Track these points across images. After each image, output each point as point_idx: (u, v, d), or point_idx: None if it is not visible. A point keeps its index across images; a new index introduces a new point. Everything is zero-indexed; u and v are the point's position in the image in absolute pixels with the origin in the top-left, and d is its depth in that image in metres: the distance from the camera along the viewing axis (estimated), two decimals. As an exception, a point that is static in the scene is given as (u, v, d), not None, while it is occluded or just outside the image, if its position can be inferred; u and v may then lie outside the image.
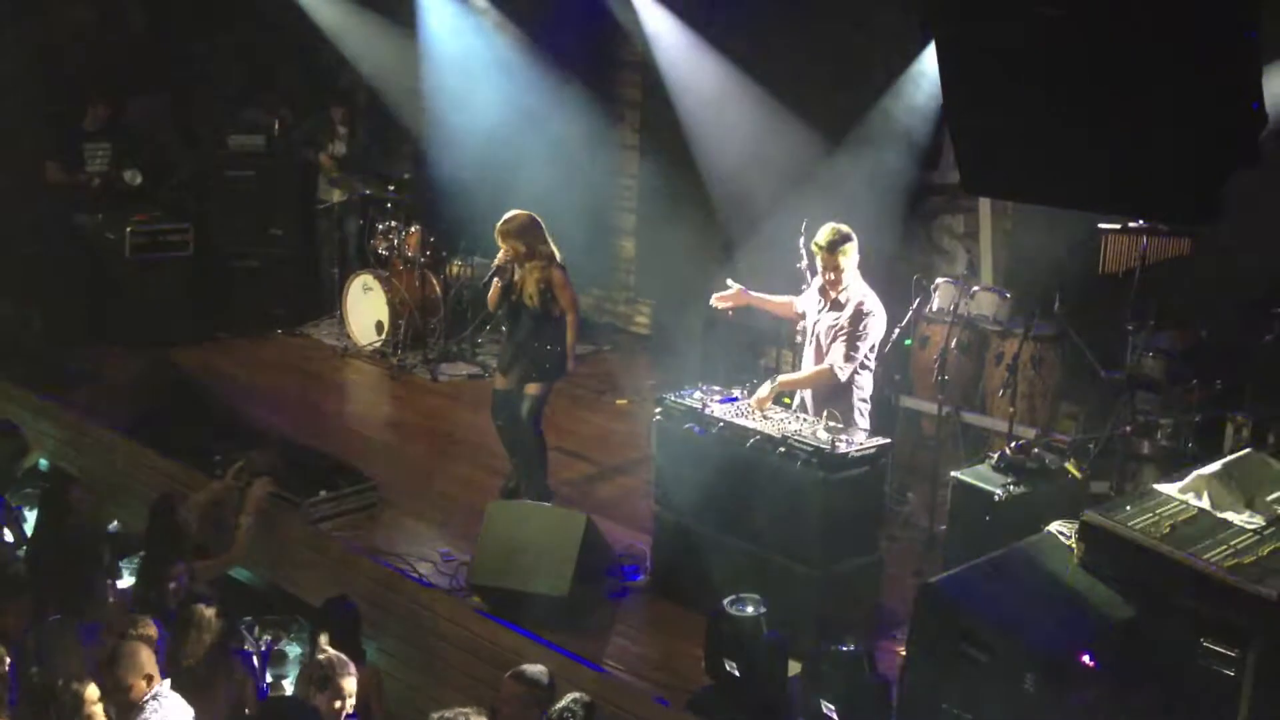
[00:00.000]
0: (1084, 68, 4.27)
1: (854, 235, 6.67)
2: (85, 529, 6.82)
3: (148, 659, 5.06)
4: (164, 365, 8.96)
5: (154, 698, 4.97)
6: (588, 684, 5.79)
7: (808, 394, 6.89)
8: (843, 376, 6.64)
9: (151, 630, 5.42)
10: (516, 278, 7.65)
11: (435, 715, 4.86)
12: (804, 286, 8.34)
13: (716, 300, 7.17)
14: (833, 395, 6.72)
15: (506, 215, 7.66)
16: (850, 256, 6.66)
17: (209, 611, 5.58)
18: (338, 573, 7.14)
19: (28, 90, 10.90)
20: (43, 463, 8.49)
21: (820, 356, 6.77)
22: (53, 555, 6.46)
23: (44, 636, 5.75)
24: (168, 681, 5.11)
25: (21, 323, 10.12)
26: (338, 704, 5.18)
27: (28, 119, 10.85)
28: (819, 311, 6.84)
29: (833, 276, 6.69)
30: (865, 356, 6.70)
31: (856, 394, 6.74)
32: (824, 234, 6.69)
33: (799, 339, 7.24)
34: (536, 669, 5.46)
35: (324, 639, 5.62)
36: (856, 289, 6.72)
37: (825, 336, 6.76)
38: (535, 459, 7.81)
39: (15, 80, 10.81)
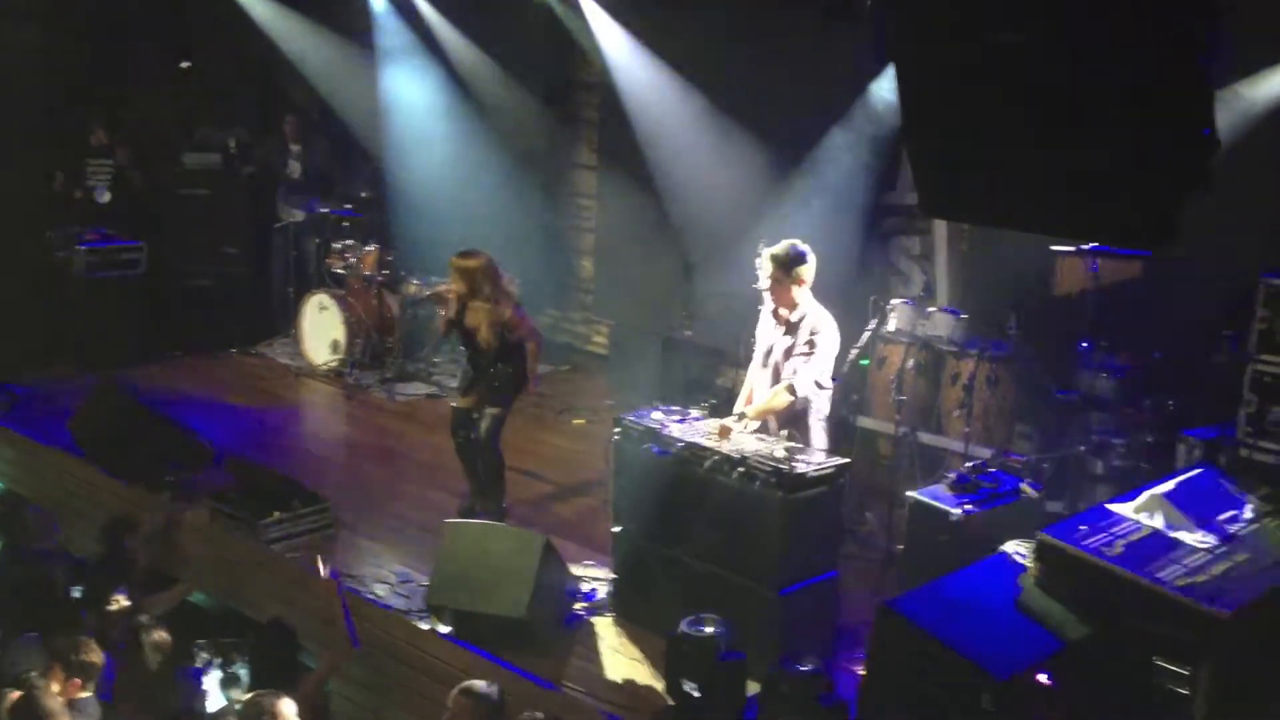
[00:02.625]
0: (1040, 93, 4.33)
1: (809, 255, 6.68)
2: (49, 552, 6.73)
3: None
4: (116, 385, 8.84)
5: None
6: (546, 705, 5.75)
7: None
8: (800, 392, 6.64)
9: (96, 656, 5.34)
10: (466, 315, 7.66)
11: None
12: (759, 307, 8.39)
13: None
14: (791, 416, 6.74)
15: (462, 252, 7.70)
16: (805, 276, 6.67)
17: (158, 634, 5.51)
18: (292, 594, 7.06)
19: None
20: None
21: (776, 379, 6.78)
22: (15, 577, 6.36)
23: (15, 654, 5.65)
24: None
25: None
26: None
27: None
28: (774, 334, 6.85)
29: (786, 296, 6.69)
30: (820, 375, 6.71)
31: (814, 414, 6.75)
32: (780, 249, 6.68)
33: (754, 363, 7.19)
34: (485, 684, 5.45)
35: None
36: (810, 309, 6.73)
37: (781, 359, 6.78)
38: (492, 478, 7.80)
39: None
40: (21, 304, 10.60)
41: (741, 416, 6.72)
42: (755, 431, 6.69)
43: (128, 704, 5.39)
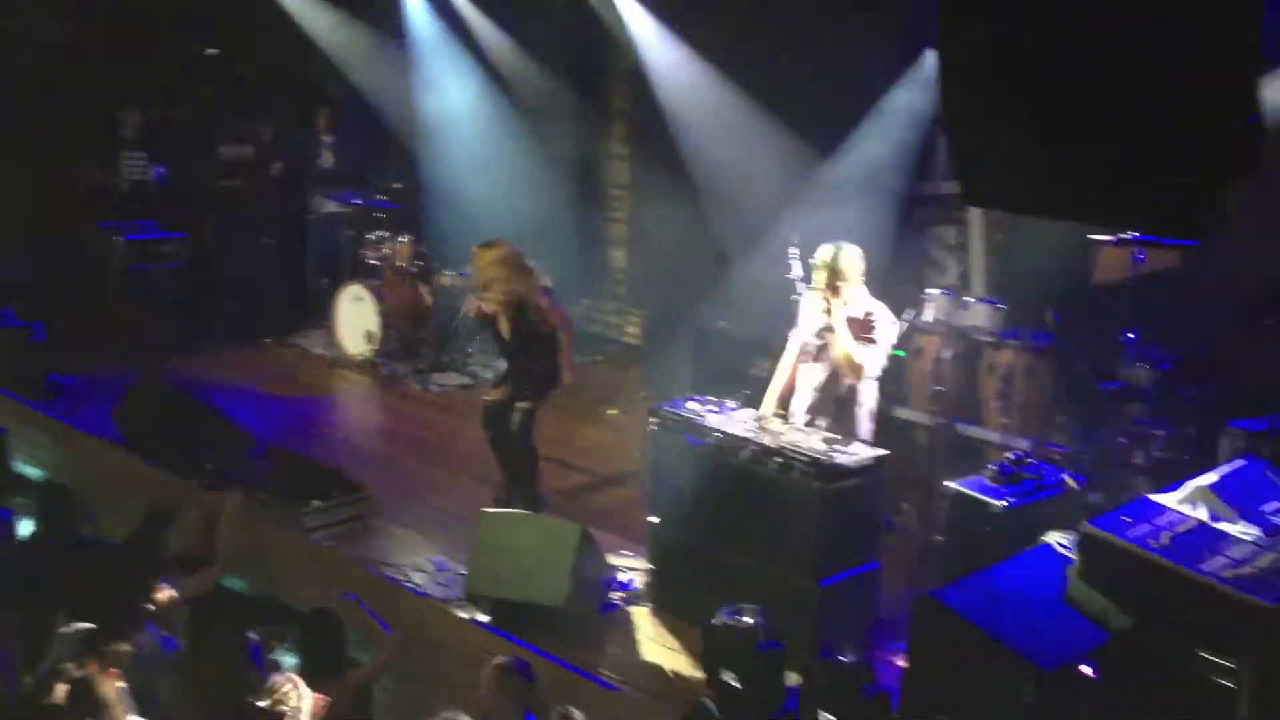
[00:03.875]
0: (1084, 78, 4.28)
1: (854, 250, 6.70)
2: (90, 540, 6.79)
3: (113, 692, 4.99)
4: (159, 375, 8.91)
5: None
6: (583, 694, 5.77)
7: (806, 407, 6.88)
8: (868, 373, 6.66)
9: (125, 645, 5.37)
10: (489, 309, 7.67)
11: None
12: (793, 296, 8.35)
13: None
14: (839, 407, 6.74)
15: (482, 242, 7.68)
16: (852, 275, 6.69)
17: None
18: (331, 582, 7.11)
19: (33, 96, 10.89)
20: (34, 473, 8.43)
21: (832, 376, 6.77)
22: (66, 567, 6.41)
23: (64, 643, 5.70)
24: None
25: (16, 333, 10.06)
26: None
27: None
28: (824, 328, 6.83)
29: (840, 294, 6.70)
30: (879, 364, 6.73)
31: (862, 405, 6.75)
32: (825, 254, 6.71)
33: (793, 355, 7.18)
34: (518, 660, 5.48)
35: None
36: (866, 302, 6.75)
37: (835, 347, 6.76)
38: (526, 471, 7.81)
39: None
40: (65, 296, 10.70)
41: (782, 417, 6.75)
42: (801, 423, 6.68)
43: (190, 690, 5.44)
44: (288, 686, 5.20)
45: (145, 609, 6.01)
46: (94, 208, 11.23)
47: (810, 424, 6.78)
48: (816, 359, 6.89)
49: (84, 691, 4.84)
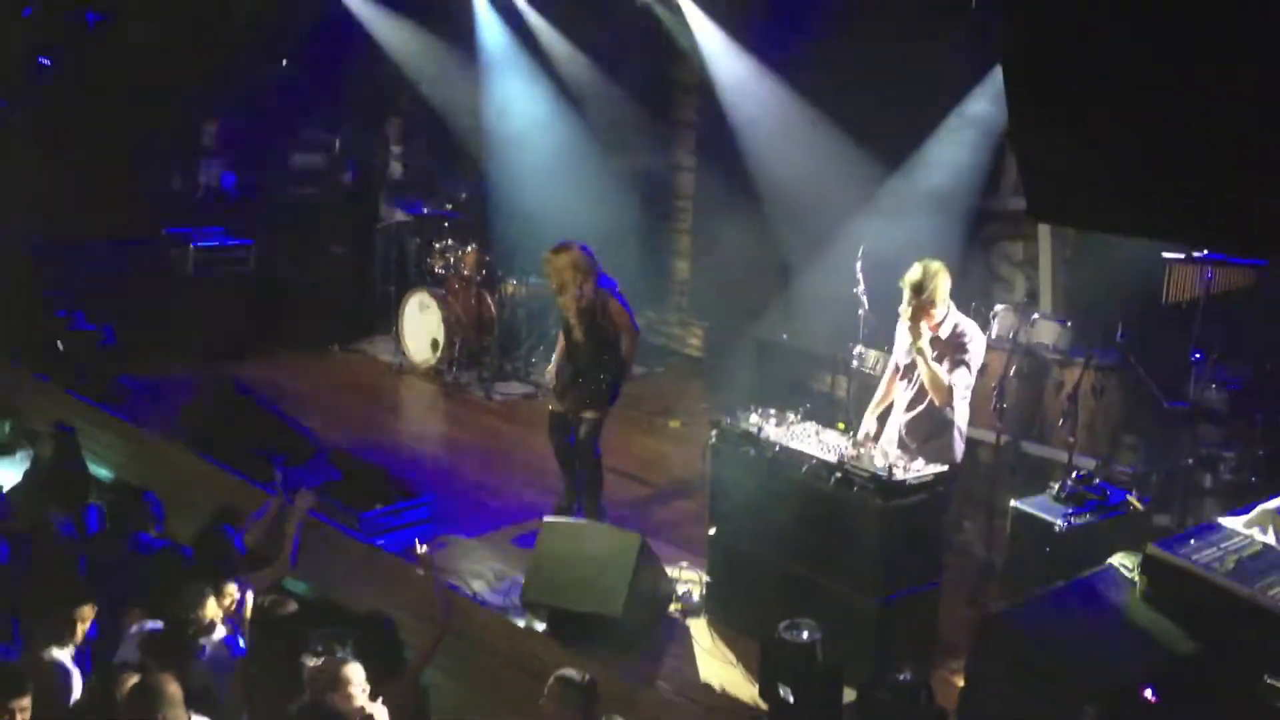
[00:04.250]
0: (1159, 92, 4.22)
1: (940, 269, 6.66)
2: (160, 541, 6.91)
3: (178, 692, 5.05)
4: (225, 379, 9.06)
5: None
6: (641, 705, 5.77)
7: (900, 426, 6.88)
8: (959, 393, 6.65)
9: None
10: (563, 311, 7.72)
11: None
12: (859, 311, 8.32)
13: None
14: (934, 428, 6.73)
15: (556, 246, 7.73)
16: (940, 294, 6.66)
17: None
18: (391, 588, 7.16)
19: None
20: (103, 473, 8.59)
21: (921, 394, 6.76)
22: (136, 566, 6.53)
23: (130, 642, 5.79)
24: None
25: (84, 334, 10.28)
26: (352, 692, 5.20)
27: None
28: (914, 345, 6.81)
29: (929, 315, 6.68)
30: (969, 384, 6.71)
31: (955, 426, 6.73)
32: (914, 274, 6.67)
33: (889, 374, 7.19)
34: (579, 673, 5.44)
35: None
36: (955, 318, 6.74)
37: (922, 369, 6.74)
38: (591, 480, 7.83)
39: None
40: (136, 301, 10.91)
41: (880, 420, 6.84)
42: (883, 444, 6.73)
43: (256, 688, 5.50)
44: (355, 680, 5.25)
45: (213, 610, 6.08)
46: (170, 214, 11.46)
47: (902, 443, 6.76)
48: (907, 378, 6.87)
49: (147, 691, 4.91)
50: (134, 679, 5.11)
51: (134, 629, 5.84)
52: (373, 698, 5.32)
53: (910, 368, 6.85)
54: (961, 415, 6.75)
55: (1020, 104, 4.74)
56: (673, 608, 6.96)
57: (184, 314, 11.10)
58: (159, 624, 5.79)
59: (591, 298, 7.63)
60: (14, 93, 10.83)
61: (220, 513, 7.10)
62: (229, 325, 11.14)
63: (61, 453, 8.01)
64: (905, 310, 6.71)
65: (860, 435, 6.92)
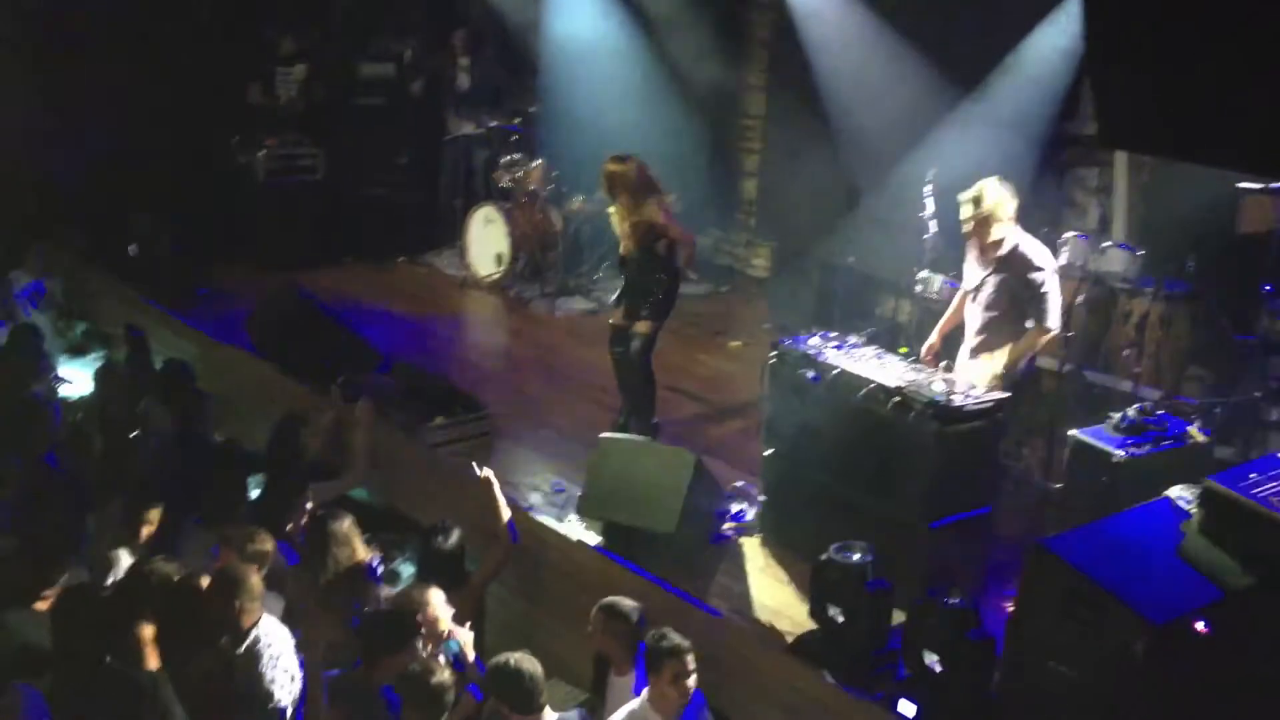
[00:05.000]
0: (1237, 18, 4.10)
1: (1002, 189, 6.61)
2: (222, 443, 7.05)
3: (259, 584, 5.15)
4: (291, 287, 9.16)
5: (259, 625, 5.02)
6: (690, 621, 5.83)
7: (969, 348, 6.89)
8: (1055, 328, 6.67)
9: (269, 545, 5.53)
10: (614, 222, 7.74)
11: (494, 660, 4.92)
12: (924, 236, 8.24)
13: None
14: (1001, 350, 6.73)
15: (615, 157, 7.77)
16: (1003, 213, 6.61)
17: (345, 524, 5.65)
18: (453, 497, 7.27)
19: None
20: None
21: (991, 321, 6.73)
22: (189, 463, 6.67)
23: (184, 541, 5.93)
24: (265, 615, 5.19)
25: (155, 240, 10.43)
26: (438, 616, 5.26)
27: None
28: (982, 271, 6.76)
29: (989, 235, 6.65)
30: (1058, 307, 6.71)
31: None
32: (974, 191, 6.63)
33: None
34: (628, 604, 5.39)
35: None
36: (1019, 240, 6.69)
37: (995, 294, 6.70)
38: (642, 396, 7.87)
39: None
40: (207, 207, 11.04)
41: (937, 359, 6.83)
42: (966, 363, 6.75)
43: (310, 597, 5.60)
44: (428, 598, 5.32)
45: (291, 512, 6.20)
46: (250, 125, 11.54)
47: (974, 366, 6.77)
48: (976, 300, 6.84)
49: (229, 579, 5.01)
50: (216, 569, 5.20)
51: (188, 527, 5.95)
52: None
53: (979, 289, 6.80)
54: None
55: (1097, 29, 4.64)
56: (726, 526, 7.01)
57: (253, 221, 11.21)
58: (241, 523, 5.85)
59: (642, 213, 7.63)
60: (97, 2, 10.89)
61: (288, 417, 7.22)
62: (296, 232, 11.24)
63: (133, 355, 8.18)
64: (966, 227, 6.65)
65: (924, 350, 6.89)
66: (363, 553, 5.70)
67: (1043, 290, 6.62)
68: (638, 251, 7.72)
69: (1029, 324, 6.72)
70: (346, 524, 5.65)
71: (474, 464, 6.32)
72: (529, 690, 4.82)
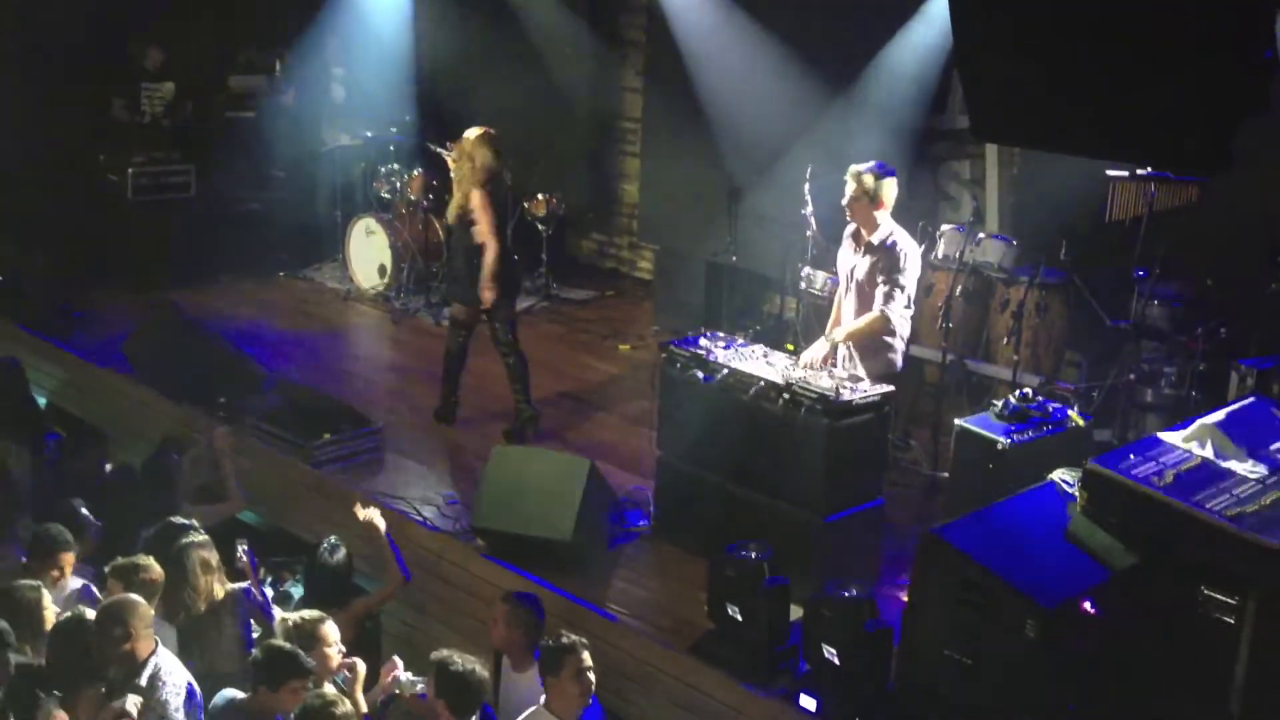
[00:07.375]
0: (1098, 12, 4.22)
1: (892, 176, 6.70)
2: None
3: (149, 613, 5.03)
4: (169, 307, 8.93)
5: (155, 655, 4.92)
6: (590, 627, 5.82)
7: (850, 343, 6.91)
8: (893, 317, 6.69)
9: (157, 574, 5.40)
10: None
11: (435, 654, 4.89)
12: (806, 233, 8.34)
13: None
14: (873, 342, 6.75)
15: (481, 129, 7.83)
16: (886, 198, 6.68)
17: (202, 553, 5.55)
18: (341, 515, 7.15)
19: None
20: (42, 401, 8.49)
21: (863, 304, 6.78)
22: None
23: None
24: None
25: (25, 264, 10.10)
26: (328, 651, 5.19)
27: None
28: (854, 257, 6.83)
29: (867, 217, 6.71)
30: (908, 299, 6.73)
31: (896, 338, 6.78)
32: (864, 166, 6.70)
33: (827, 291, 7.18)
34: (528, 594, 5.57)
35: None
36: (892, 231, 6.75)
37: (866, 282, 6.76)
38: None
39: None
40: (75, 227, 10.71)
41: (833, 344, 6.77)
42: (831, 358, 6.75)
43: (181, 620, 5.48)
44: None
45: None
46: (116, 142, 11.22)
47: (849, 357, 6.81)
48: (849, 292, 6.92)
49: (119, 610, 4.90)
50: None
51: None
52: None
53: (851, 273, 6.87)
54: (903, 329, 6.80)
55: (964, 24, 4.73)
56: (621, 530, 7.00)
57: (124, 241, 10.90)
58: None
59: (464, 193, 7.70)
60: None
61: (164, 442, 7.04)
62: (170, 251, 10.95)
63: (8, 385, 7.89)
64: (848, 203, 6.73)
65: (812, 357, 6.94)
66: (224, 580, 5.60)
67: (901, 282, 6.69)
68: (458, 227, 7.77)
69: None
70: (204, 553, 5.54)
71: (357, 505, 6.22)
72: (476, 693, 4.80)
